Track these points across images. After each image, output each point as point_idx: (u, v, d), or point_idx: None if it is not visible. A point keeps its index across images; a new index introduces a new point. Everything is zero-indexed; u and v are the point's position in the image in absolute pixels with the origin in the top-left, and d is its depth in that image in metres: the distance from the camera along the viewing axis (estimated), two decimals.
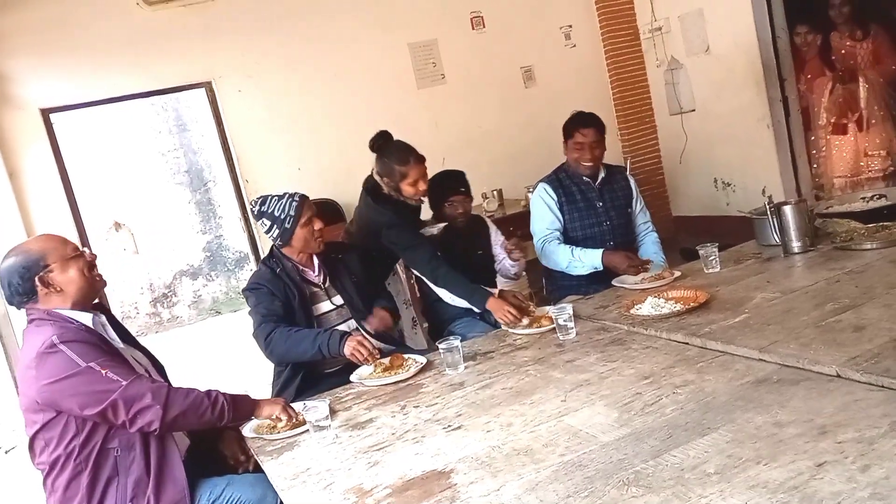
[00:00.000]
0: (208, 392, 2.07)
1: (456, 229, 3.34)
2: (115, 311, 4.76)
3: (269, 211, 2.76)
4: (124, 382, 1.94)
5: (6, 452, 2.97)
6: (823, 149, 5.04)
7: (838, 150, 4.96)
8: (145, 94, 4.84)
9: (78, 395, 1.93)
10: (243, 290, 2.87)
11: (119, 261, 5.57)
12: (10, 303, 2.11)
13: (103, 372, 1.93)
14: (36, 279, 2.05)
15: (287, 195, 2.79)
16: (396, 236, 3.06)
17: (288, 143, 5.09)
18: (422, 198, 3.14)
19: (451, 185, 3.35)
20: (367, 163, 5.40)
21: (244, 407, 2.16)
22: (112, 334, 2.19)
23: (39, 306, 2.08)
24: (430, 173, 5.38)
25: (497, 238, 3.48)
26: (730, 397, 1.75)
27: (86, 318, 2.10)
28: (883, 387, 1.62)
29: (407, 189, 3.10)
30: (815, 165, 5.12)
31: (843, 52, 4.85)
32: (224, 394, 2.10)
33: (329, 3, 5.19)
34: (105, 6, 4.61)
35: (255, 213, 2.82)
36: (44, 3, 4.48)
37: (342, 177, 5.16)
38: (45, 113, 4.55)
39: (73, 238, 4.53)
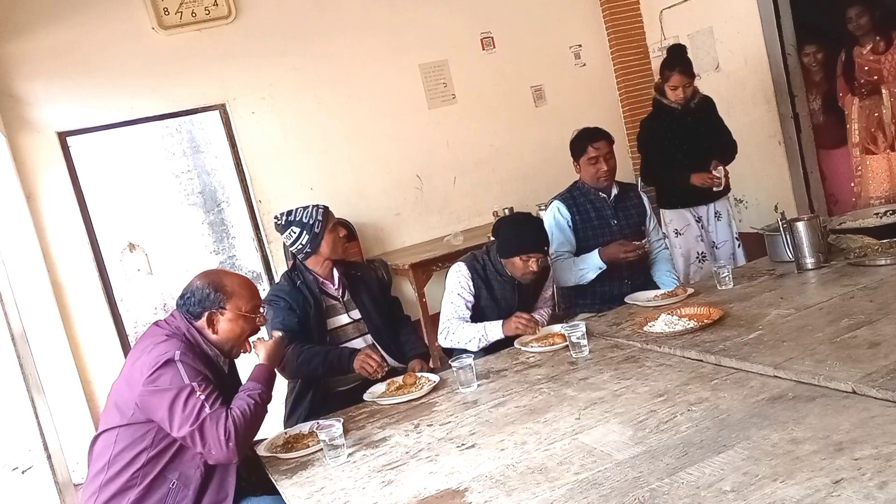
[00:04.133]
0: (251, 398, 2.10)
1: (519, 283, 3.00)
2: (130, 332, 4.81)
3: (298, 219, 2.84)
4: (208, 411, 1.98)
5: (23, 472, 2.98)
6: (859, 169, 4.80)
7: (872, 170, 4.74)
8: (160, 116, 4.90)
9: (172, 409, 1.98)
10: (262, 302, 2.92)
11: (133, 281, 5.62)
12: (178, 305, 2.23)
13: (199, 393, 1.99)
14: (207, 312, 2.19)
15: (311, 205, 2.90)
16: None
17: (301, 164, 5.14)
18: (680, 103, 3.91)
19: (533, 238, 2.90)
20: (379, 182, 5.45)
21: (270, 378, 2.23)
22: (222, 368, 2.27)
23: (192, 322, 2.19)
24: (441, 193, 5.43)
25: (549, 284, 3.19)
26: (745, 414, 1.74)
27: (212, 350, 2.22)
28: None
29: (669, 92, 3.91)
30: (853, 185, 4.90)
31: (866, 67, 4.63)
32: (254, 385, 2.15)
33: (341, 25, 5.25)
34: (121, 31, 4.69)
35: (282, 224, 2.88)
36: (60, 29, 4.55)
37: (355, 197, 5.20)
38: (62, 136, 4.61)
39: (88, 259, 4.58)
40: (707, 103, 4.10)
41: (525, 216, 3.08)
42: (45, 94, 4.55)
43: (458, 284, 2.99)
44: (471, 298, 2.97)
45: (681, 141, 3.97)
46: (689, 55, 4.07)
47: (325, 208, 2.91)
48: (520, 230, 2.94)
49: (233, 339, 2.23)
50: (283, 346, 2.41)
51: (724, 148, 4.09)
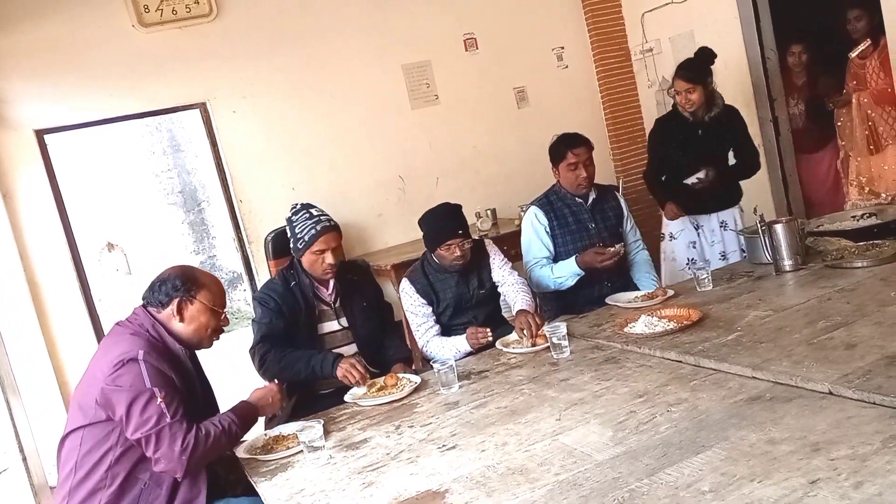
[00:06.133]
0: (221, 425, 2.09)
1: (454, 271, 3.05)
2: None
3: (294, 225, 2.83)
4: (168, 420, 1.97)
5: None
6: (842, 171, 4.88)
7: (852, 173, 4.78)
8: (140, 115, 4.84)
9: (129, 411, 1.97)
10: (253, 298, 2.95)
11: (112, 281, 5.54)
12: (145, 295, 2.27)
13: (159, 400, 1.98)
14: (177, 299, 2.20)
15: (316, 219, 2.80)
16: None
17: (282, 164, 5.11)
18: (689, 109, 3.71)
19: (446, 226, 3.00)
20: (361, 183, 5.43)
21: (249, 418, 2.21)
22: (187, 364, 2.25)
23: (155, 316, 2.20)
24: (424, 194, 5.42)
25: (497, 260, 3.17)
26: (723, 415, 1.75)
27: (177, 345, 2.21)
28: (875, 404, 1.63)
29: (678, 98, 3.75)
30: (843, 185, 4.95)
31: (852, 70, 4.65)
32: (231, 417, 2.13)
33: (324, 25, 5.23)
34: (101, 28, 4.63)
35: (288, 217, 2.88)
36: (39, 25, 4.50)
37: (336, 197, 5.18)
38: (40, 134, 4.54)
39: (66, 259, 4.52)
40: (728, 117, 3.81)
41: (437, 207, 3.12)
42: (22, 91, 4.49)
43: (408, 303, 3.07)
44: (427, 309, 3.04)
45: (687, 153, 3.75)
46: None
47: (325, 228, 2.76)
48: (433, 223, 3.04)
49: (197, 330, 2.23)
50: (278, 395, 2.35)
51: (741, 164, 3.89)
